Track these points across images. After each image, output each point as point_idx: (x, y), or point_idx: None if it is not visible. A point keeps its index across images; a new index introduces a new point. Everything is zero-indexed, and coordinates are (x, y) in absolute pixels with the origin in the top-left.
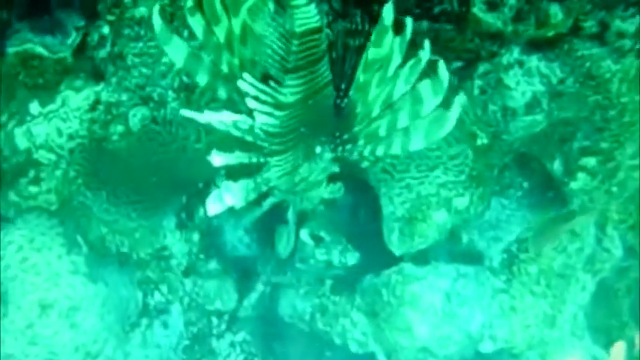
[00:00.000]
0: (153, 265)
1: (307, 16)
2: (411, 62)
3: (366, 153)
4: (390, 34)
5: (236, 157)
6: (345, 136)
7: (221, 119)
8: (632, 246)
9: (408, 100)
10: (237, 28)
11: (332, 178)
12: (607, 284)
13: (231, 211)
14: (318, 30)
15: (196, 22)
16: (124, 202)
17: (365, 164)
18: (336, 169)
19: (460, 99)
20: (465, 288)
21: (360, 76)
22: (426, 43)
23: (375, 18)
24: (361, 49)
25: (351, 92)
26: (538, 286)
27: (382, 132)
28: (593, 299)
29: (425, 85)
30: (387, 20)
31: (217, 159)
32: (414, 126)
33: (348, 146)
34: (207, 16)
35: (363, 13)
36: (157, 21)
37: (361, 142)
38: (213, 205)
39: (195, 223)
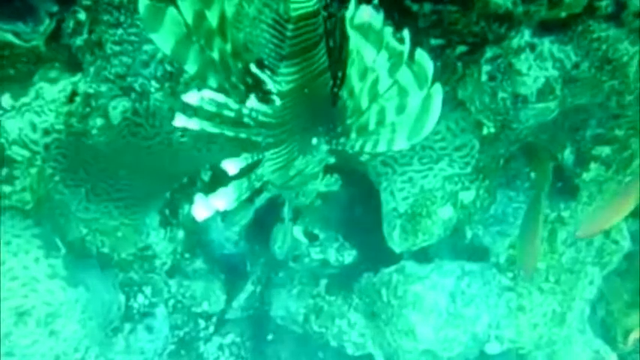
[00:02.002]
0: (136, 266)
1: None
2: (390, 54)
3: (357, 147)
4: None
5: (244, 159)
6: (339, 129)
7: (203, 97)
8: (633, 233)
9: (393, 92)
10: (230, 12)
11: (328, 171)
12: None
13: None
14: (315, 14)
15: (188, 6)
16: (105, 199)
17: (364, 157)
18: (332, 160)
19: (437, 90)
20: (469, 286)
21: (346, 67)
22: (406, 34)
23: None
24: None
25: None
26: (547, 283)
27: (371, 126)
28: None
29: (407, 77)
30: (349, 9)
31: (231, 166)
32: (400, 123)
33: (342, 139)
34: None
35: None
36: (144, 3)
37: (353, 135)
38: (202, 210)
39: (180, 221)
